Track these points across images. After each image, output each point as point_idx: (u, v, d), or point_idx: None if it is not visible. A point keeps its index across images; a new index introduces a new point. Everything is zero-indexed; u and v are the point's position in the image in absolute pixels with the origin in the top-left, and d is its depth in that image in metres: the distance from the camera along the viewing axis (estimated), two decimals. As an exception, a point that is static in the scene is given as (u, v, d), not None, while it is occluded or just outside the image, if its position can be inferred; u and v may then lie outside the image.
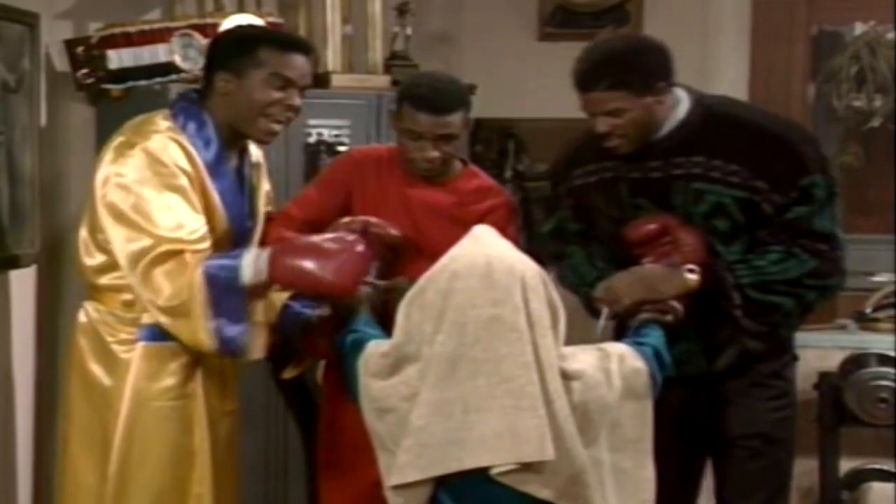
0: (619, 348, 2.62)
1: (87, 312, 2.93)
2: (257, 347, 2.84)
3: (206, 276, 2.73)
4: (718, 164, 2.90)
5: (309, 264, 2.76)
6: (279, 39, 2.98)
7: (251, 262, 2.77)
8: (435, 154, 3.16)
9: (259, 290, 2.81)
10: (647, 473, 2.58)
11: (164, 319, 2.78)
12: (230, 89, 2.90)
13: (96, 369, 2.90)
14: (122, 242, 2.79)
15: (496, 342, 2.40)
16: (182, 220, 2.79)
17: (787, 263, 2.89)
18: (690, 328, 2.91)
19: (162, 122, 2.90)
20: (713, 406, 3.05)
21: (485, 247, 2.50)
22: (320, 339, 3.03)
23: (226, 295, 2.74)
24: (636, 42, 2.98)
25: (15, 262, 3.64)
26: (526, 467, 2.39)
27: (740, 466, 3.06)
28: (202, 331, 2.75)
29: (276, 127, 2.95)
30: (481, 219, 3.19)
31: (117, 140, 2.88)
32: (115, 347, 2.88)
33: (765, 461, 3.05)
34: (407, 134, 3.16)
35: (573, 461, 2.41)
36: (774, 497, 3.10)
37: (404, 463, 2.43)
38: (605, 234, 3.08)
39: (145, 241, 2.76)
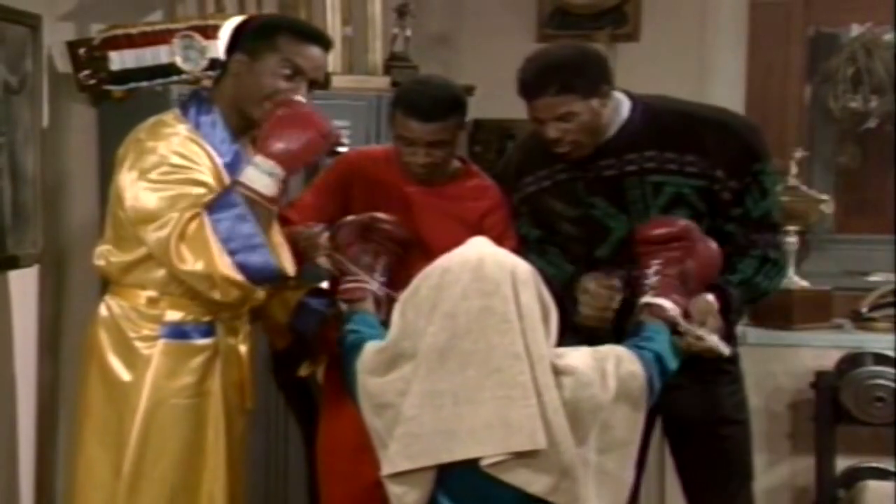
0: (616, 350, 2.62)
1: (109, 307, 2.93)
2: (289, 264, 2.87)
3: (210, 221, 2.75)
4: (672, 156, 2.98)
5: (295, 134, 2.81)
6: (299, 28, 2.99)
7: (257, 176, 2.78)
8: (427, 160, 3.18)
9: (279, 195, 2.84)
10: (627, 476, 2.59)
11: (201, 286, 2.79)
12: (242, 70, 2.92)
13: (116, 363, 2.90)
14: (152, 231, 2.80)
15: (487, 333, 2.42)
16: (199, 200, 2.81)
17: (769, 269, 3.02)
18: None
19: (176, 123, 2.92)
20: (670, 392, 3.08)
21: (478, 247, 2.54)
22: (335, 335, 3.05)
23: (236, 227, 2.76)
24: (576, 49, 3.07)
25: (17, 262, 3.65)
26: (516, 460, 2.40)
27: (704, 450, 3.14)
28: (225, 269, 2.75)
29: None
30: (481, 218, 3.22)
31: (133, 138, 2.90)
32: (137, 343, 2.89)
33: (728, 443, 3.14)
34: (400, 139, 3.19)
35: (562, 455, 2.42)
36: (742, 479, 3.19)
37: (394, 452, 2.45)
38: (563, 237, 3.14)
39: (170, 221, 2.77)
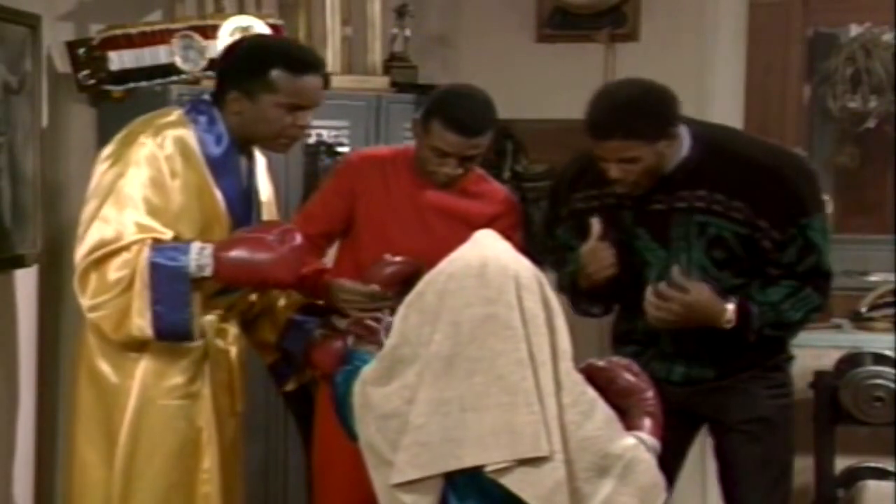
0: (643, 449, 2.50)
1: None
2: (197, 333, 2.85)
3: (150, 263, 2.74)
4: (721, 198, 2.97)
5: (252, 257, 2.78)
6: (291, 61, 2.92)
7: (195, 257, 2.78)
8: (456, 171, 3.17)
9: (200, 284, 2.81)
10: None
11: (93, 315, 2.79)
12: (242, 109, 2.91)
13: (104, 366, 2.90)
14: (83, 232, 2.82)
15: (491, 340, 2.41)
16: (144, 221, 2.80)
17: (798, 300, 3.01)
18: (701, 349, 3.05)
19: (174, 116, 2.92)
20: (715, 396, 3.12)
21: (482, 248, 2.51)
22: (320, 356, 3.06)
23: (170, 282, 2.75)
24: (647, 89, 2.98)
25: (17, 262, 3.65)
26: (520, 466, 2.39)
27: (742, 450, 3.14)
28: (137, 316, 2.75)
29: (289, 143, 3.00)
30: (490, 223, 3.20)
31: (124, 132, 2.91)
32: (125, 345, 2.87)
33: (765, 445, 3.13)
34: (433, 150, 3.15)
35: (557, 465, 2.38)
36: (777, 480, 3.18)
37: (404, 462, 2.44)
38: None
39: (105, 234, 2.77)
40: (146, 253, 2.75)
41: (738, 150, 3.05)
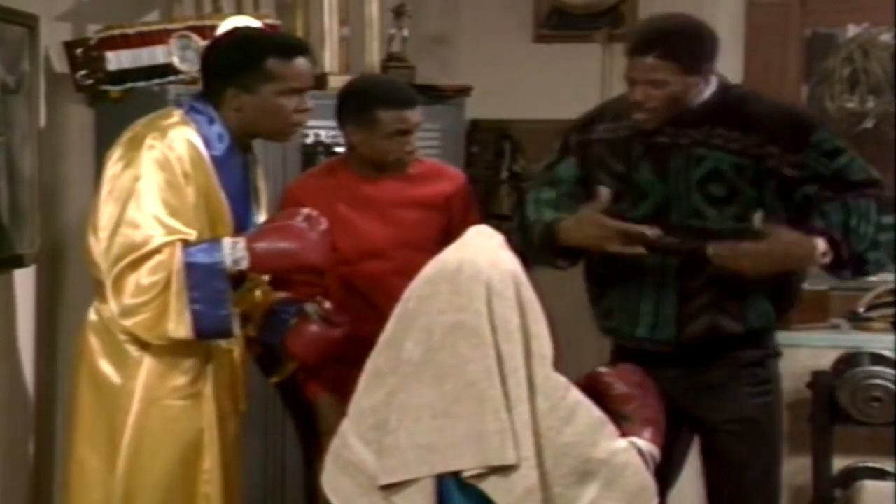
0: (633, 453, 2.49)
1: (99, 310, 2.93)
2: (237, 328, 2.90)
3: (185, 264, 2.77)
4: (721, 132, 3.00)
5: (285, 245, 2.83)
6: (281, 46, 2.99)
7: (229, 252, 2.81)
8: (415, 143, 3.31)
9: (236, 277, 2.85)
10: None
11: (128, 320, 2.80)
12: (242, 105, 2.93)
13: (107, 367, 2.91)
14: (108, 238, 2.82)
15: (460, 347, 2.41)
16: (170, 223, 2.81)
17: (858, 214, 2.95)
18: (667, 294, 3.02)
19: (176, 117, 2.94)
20: (696, 393, 3.11)
21: (463, 251, 2.51)
22: (295, 342, 3.07)
23: (208, 280, 2.78)
24: (695, 23, 3.07)
25: (15, 262, 3.65)
26: (493, 472, 2.40)
27: (726, 451, 3.13)
28: (175, 319, 2.77)
29: (296, 129, 3.05)
30: (447, 200, 3.34)
31: (128, 135, 2.92)
32: (128, 346, 2.89)
33: (749, 446, 3.11)
34: (392, 135, 3.25)
35: (528, 472, 2.39)
36: (760, 482, 3.15)
37: (379, 468, 2.45)
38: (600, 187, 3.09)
39: (134, 239, 2.78)
40: (179, 254, 2.77)
41: (749, 98, 3.11)
